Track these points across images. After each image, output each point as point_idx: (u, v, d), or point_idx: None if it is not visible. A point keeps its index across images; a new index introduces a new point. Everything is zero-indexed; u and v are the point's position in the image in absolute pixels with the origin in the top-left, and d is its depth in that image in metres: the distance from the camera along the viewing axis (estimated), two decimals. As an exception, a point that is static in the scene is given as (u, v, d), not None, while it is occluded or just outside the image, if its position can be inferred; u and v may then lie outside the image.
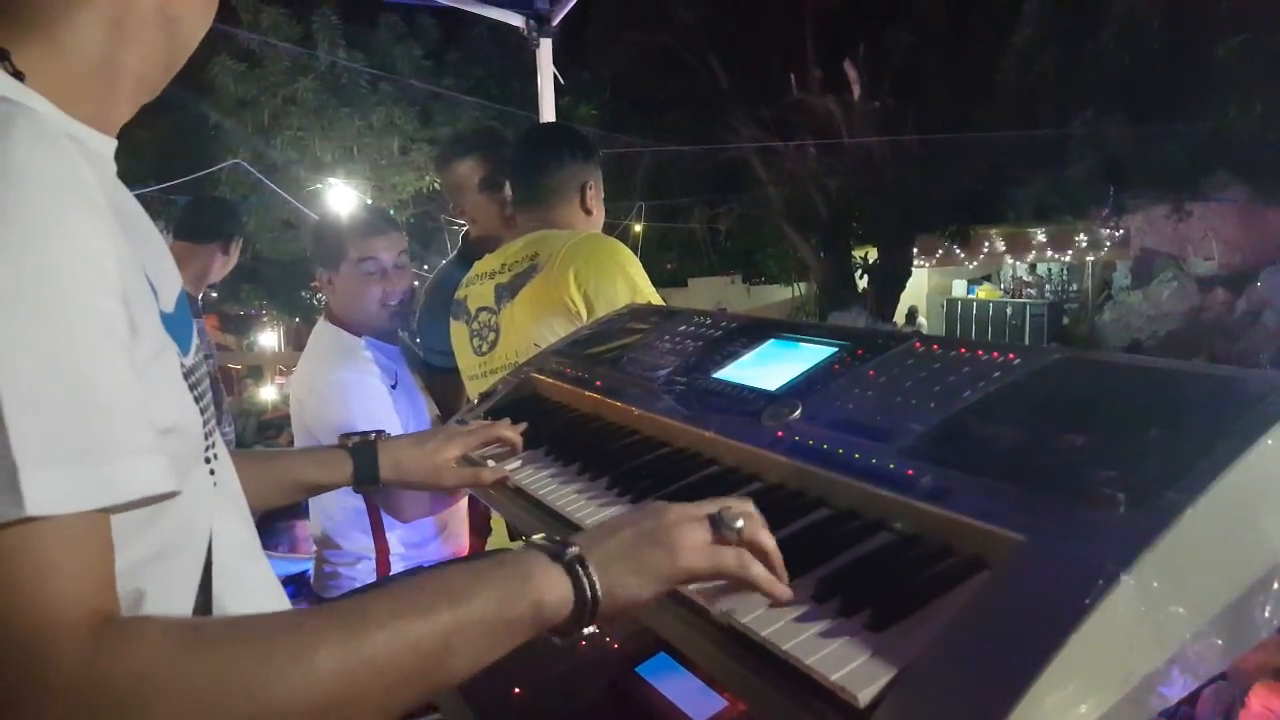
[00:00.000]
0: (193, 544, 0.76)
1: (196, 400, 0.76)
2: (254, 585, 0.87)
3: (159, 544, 0.70)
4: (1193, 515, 0.66)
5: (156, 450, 0.62)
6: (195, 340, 0.81)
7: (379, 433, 1.31)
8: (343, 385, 2.07)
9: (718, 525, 0.77)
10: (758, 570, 0.77)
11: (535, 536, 0.76)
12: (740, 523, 0.77)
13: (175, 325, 0.75)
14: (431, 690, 0.65)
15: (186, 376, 0.75)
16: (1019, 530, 0.72)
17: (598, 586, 0.72)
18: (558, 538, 0.75)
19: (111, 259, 0.63)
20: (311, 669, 0.59)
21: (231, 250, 3.34)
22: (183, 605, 0.74)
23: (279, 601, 0.92)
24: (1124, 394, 0.87)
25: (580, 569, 0.72)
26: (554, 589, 0.71)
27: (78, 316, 0.60)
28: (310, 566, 2.41)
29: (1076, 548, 0.67)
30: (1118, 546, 0.65)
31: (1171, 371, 0.88)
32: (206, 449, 0.79)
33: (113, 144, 0.78)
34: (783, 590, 0.77)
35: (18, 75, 0.69)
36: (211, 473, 0.80)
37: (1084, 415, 0.84)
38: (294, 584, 3.06)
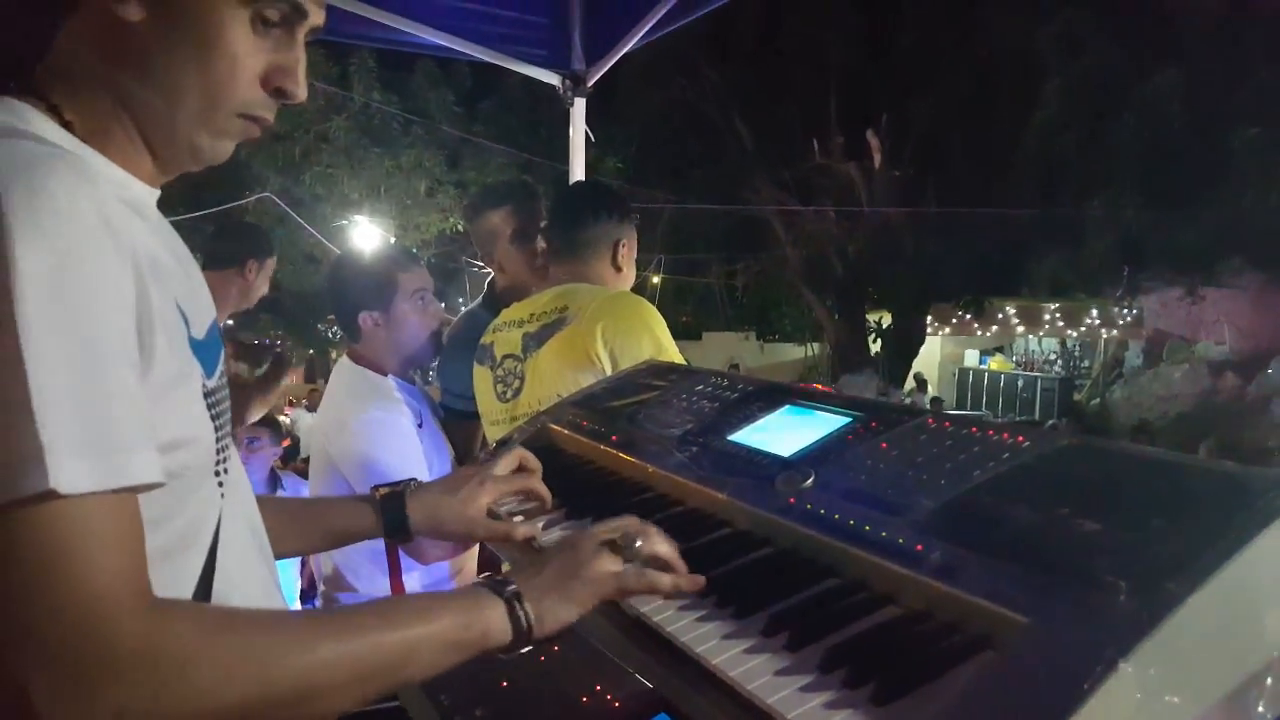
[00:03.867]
0: (191, 550, 0.84)
1: (215, 418, 0.85)
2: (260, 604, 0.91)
3: (156, 546, 0.76)
4: (1192, 606, 0.68)
5: (152, 448, 0.72)
6: (220, 366, 0.89)
7: (409, 482, 1.27)
8: (375, 424, 2.07)
9: (620, 548, 0.92)
10: (659, 579, 0.91)
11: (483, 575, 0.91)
12: (639, 543, 0.92)
13: (203, 350, 0.85)
14: (394, 686, 0.82)
15: (208, 396, 0.84)
16: (1023, 612, 0.73)
17: (531, 618, 0.86)
18: (498, 577, 0.89)
19: (130, 288, 0.73)
20: (310, 658, 0.74)
21: (250, 273, 3.25)
22: None
23: None
24: (1130, 483, 0.89)
25: (518, 604, 0.86)
26: (498, 619, 0.85)
27: (98, 334, 0.69)
28: None
29: (1078, 632, 0.69)
30: (1118, 633, 0.66)
31: (1177, 464, 0.90)
32: (217, 464, 0.87)
33: (155, 193, 0.88)
34: (687, 585, 0.92)
35: (66, 125, 0.80)
36: (220, 485, 0.88)
37: (1091, 501, 0.86)
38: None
